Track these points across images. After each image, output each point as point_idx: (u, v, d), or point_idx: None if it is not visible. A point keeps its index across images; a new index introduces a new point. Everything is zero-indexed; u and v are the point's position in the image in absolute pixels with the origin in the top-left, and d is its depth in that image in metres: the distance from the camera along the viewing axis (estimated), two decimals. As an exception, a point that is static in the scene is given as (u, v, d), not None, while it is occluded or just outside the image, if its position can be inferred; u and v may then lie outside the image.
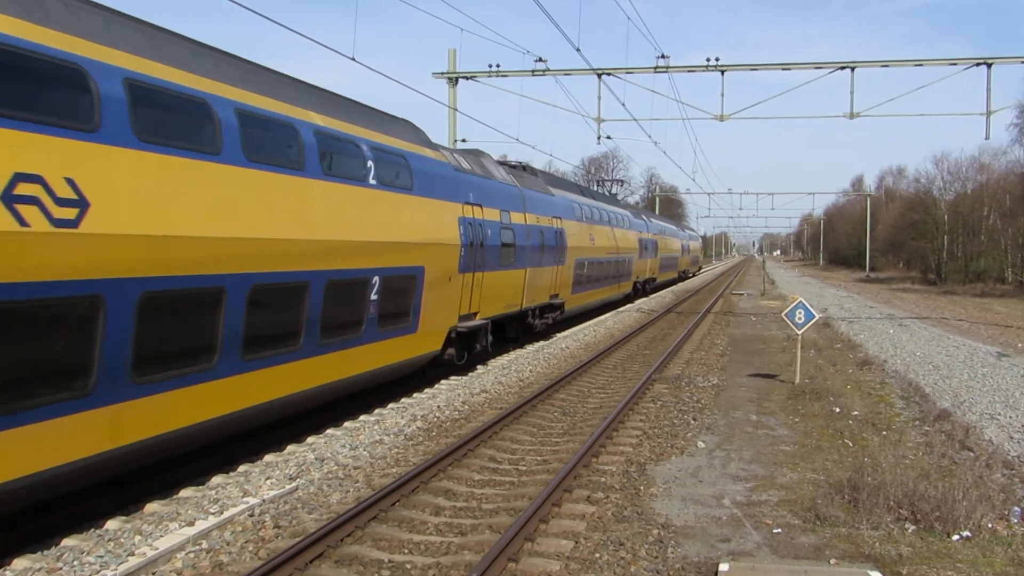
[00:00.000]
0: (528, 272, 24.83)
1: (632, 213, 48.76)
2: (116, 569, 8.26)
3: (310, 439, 14.05)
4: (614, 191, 53.86)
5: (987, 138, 31.25)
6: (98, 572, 8.22)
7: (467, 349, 20.60)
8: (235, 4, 12.74)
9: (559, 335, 29.30)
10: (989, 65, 29.33)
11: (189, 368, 10.58)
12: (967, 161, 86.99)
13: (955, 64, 30.23)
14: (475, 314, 20.84)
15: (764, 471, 12.32)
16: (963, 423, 15.63)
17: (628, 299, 46.23)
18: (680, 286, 68.88)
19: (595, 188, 48.79)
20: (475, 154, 23.50)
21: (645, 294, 52.25)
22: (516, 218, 23.75)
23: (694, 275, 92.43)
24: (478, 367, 21.91)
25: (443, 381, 19.72)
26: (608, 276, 38.02)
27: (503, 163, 27.08)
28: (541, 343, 26.96)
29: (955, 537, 9.43)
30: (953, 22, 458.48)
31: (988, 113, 29.82)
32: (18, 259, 7.93)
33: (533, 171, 29.62)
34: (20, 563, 8.53)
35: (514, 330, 25.86)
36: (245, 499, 10.48)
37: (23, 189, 7.97)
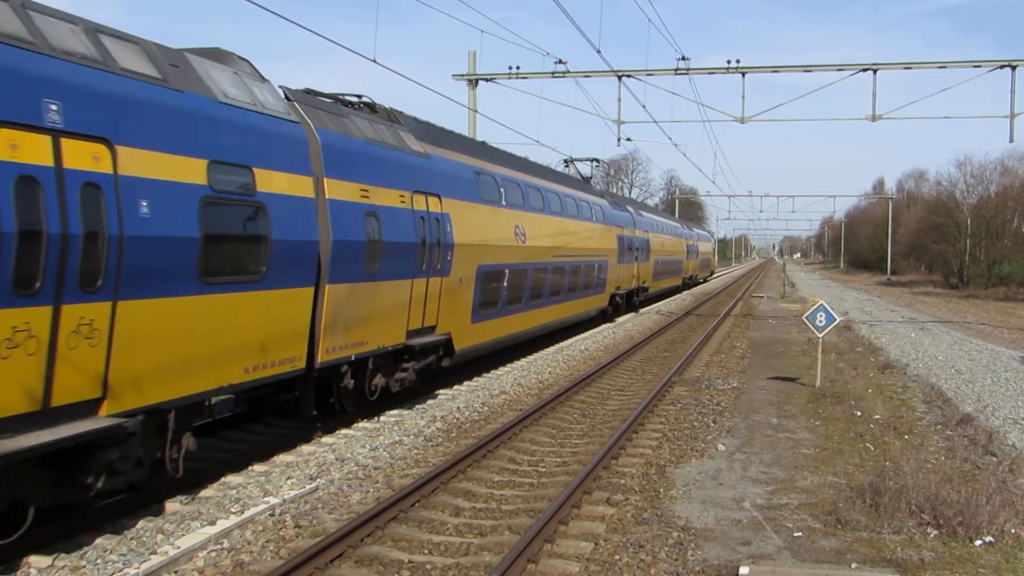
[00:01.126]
0: (329, 292, 13.17)
1: (611, 202, 36.77)
2: (139, 567, 8.32)
3: (330, 440, 14.10)
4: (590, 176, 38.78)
5: (1011, 141, 30.98)
6: (121, 570, 8.29)
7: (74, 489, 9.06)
8: (259, 7, 12.80)
9: (576, 338, 29.25)
10: (1013, 67, 29.07)
11: None
12: (991, 164, 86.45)
13: (979, 66, 30.02)
14: (96, 403, 8.98)
15: (785, 474, 12.28)
16: (986, 427, 15.53)
17: (605, 316, 35.25)
18: (700, 288, 68.56)
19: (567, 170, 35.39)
20: (188, 54, 11.29)
21: (633, 308, 40.96)
22: (282, 184, 12.02)
23: (705, 280, 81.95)
24: (498, 368, 21.90)
25: (465, 382, 19.73)
26: (558, 289, 26.28)
27: (334, 97, 15.44)
28: (560, 344, 26.92)
29: (978, 542, 9.36)
30: (977, 24, 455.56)
31: (1012, 116, 29.55)
32: None
33: (390, 113, 17.07)
34: (44, 561, 8.60)
35: (312, 401, 13.88)
36: (266, 499, 10.53)
37: None
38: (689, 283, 65.81)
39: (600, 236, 31.85)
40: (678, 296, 56.70)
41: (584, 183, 34.12)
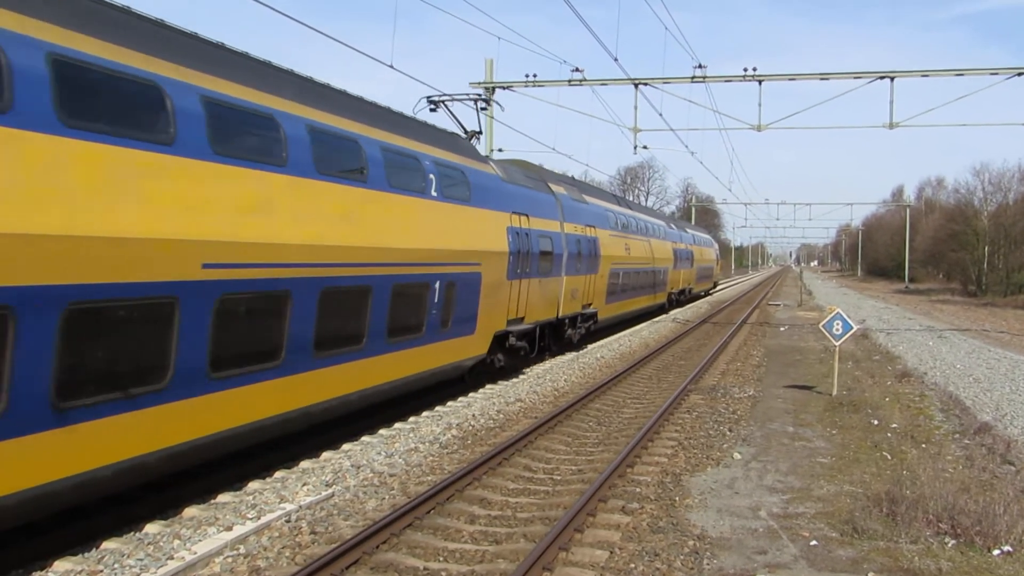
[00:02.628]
0: None
1: (506, 174, 21.73)
2: (155, 572, 8.37)
3: (346, 446, 14.15)
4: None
5: (1029, 148, 30.92)
6: (138, 575, 8.34)
7: None
8: (279, 13, 12.86)
9: (593, 346, 29.21)
10: (1031, 74, 28.96)
11: None
12: (1009, 171, 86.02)
13: (996, 74, 29.90)
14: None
15: (801, 483, 12.23)
16: (1004, 437, 15.42)
17: (491, 369, 21.00)
18: (715, 297, 68.05)
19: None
20: None
21: (568, 348, 27.18)
22: None
23: (707, 294, 68.26)
24: (513, 377, 21.90)
25: (479, 390, 19.75)
26: (270, 348, 11.68)
27: None
28: (575, 353, 26.88)
29: (996, 552, 9.31)
30: (995, 32, 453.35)
31: (1030, 123, 29.44)
32: None
33: None
34: (62, 565, 8.68)
35: None
36: (282, 505, 10.58)
37: None
38: (680, 299, 51.96)
39: (458, 229, 17.62)
40: (691, 306, 56.08)
41: (453, 138, 19.44)
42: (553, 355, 25.98)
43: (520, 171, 23.49)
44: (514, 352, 21.70)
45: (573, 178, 30.59)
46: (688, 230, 59.75)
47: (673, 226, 51.91)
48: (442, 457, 13.38)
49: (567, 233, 25.28)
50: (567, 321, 26.24)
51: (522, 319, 21.70)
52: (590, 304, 28.45)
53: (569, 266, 25.27)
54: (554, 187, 25.67)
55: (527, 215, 21.58)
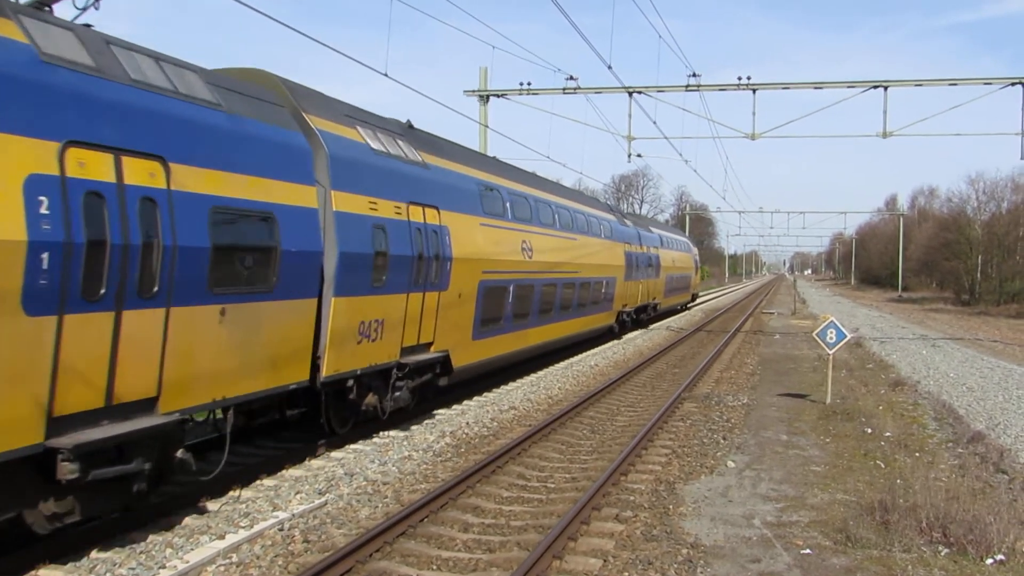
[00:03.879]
0: None
1: (162, 76, 10.01)
2: (148, 581, 8.32)
3: (339, 454, 14.11)
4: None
5: (1022, 158, 30.98)
6: (130, 584, 8.30)
7: None
8: (274, 21, 12.79)
9: (587, 353, 29.22)
10: (1024, 84, 29.07)
11: None
12: (1002, 181, 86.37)
13: (989, 83, 30.03)
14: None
15: (794, 491, 12.23)
16: (997, 445, 15.44)
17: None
18: (709, 304, 67.97)
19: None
20: None
21: (380, 426, 15.77)
22: None
23: (683, 309, 57.64)
24: (507, 384, 21.89)
25: (475, 397, 19.73)
26: None
27: None
28: (569, 360, 26.88)
29: (989, 560, 9.31)
30: (989, 42, 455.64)
31: (1023, 133, 29.53)
32: None
33: None
34: (52, 574, 8.63)
35: None
36: (275, 513, 10.55)
37: None
38: (640, 318, 40.47)
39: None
40: (684, 315, 55.92)
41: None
42: (330, 447, 14.50)
43: (197, 77, 10.87)
44: (115, 493, 9.42)
45: (409, 124, 17.78)
46: (653, 229, 46.34)
47: (628, 222, 39.05)
48: (436, 465, 13.36)
49: (344, 212, 13.47)
50: (353, 384, 14.16)
51: (143, 404, 9.55)
52: (430, 344, 16.78)
53: (351, 278, 13.51)
54: (315, 120, 13.50)
55: (161, 159, 9.60)
